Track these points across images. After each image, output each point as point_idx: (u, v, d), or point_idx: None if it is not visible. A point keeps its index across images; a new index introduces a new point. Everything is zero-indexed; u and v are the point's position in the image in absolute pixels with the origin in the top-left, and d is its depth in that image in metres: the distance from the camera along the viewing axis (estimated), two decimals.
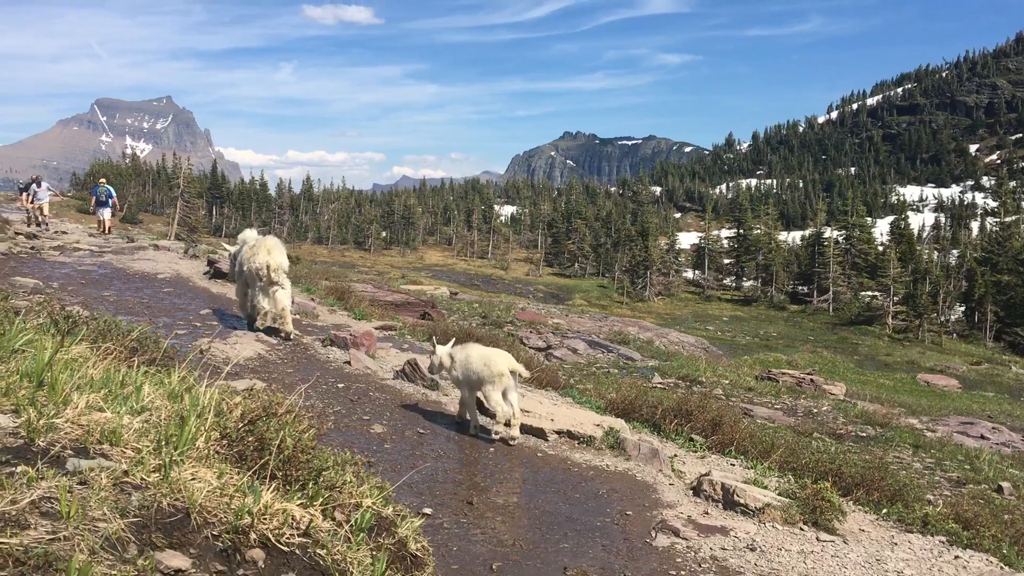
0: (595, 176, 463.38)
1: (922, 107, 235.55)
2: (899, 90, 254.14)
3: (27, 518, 2.07)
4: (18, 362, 3.21)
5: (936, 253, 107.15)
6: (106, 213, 30.18)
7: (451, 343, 9.70)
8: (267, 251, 12.32)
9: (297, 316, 15.48)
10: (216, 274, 17.92)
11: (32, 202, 29.65)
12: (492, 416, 9.29)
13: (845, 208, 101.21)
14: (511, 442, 8.99)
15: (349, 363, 11.75)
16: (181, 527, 2.38)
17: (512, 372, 8.98)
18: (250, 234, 13.56)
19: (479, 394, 9.23)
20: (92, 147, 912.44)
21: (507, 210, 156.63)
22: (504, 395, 8.99)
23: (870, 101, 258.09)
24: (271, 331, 12.63)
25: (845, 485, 9.32)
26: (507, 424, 9.07)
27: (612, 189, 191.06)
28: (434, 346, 9.71)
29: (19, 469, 2.32)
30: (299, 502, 2.78)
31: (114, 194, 31.70)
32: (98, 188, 30.89)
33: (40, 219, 29.09)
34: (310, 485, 2.98)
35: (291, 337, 12.71)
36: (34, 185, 30.17)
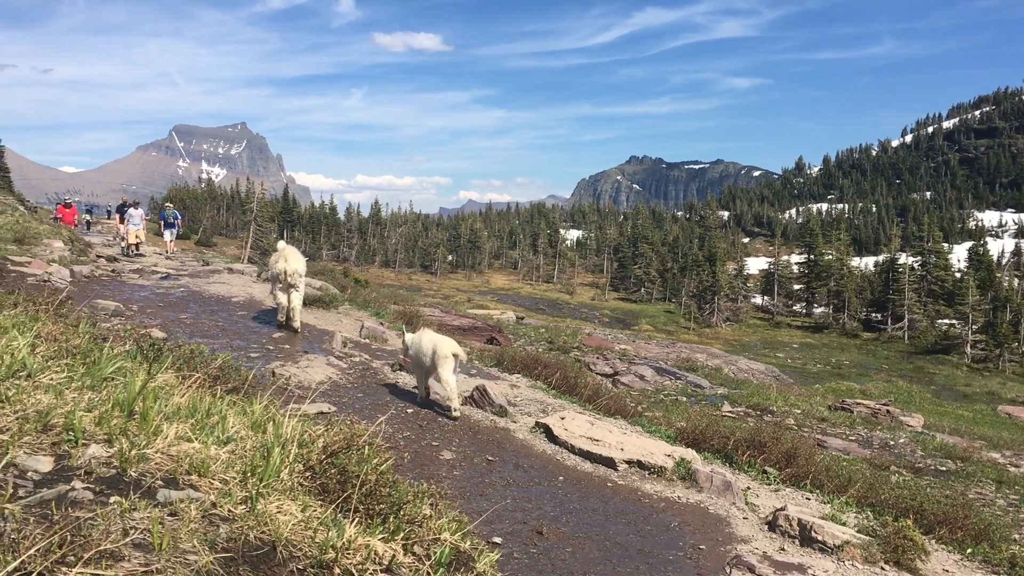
0: (661, 200, 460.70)
1: (1001, 130, 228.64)
2: (977, 113, 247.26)
3: (121, 550, 2.10)
4: (109, 390, 3.29)
5: (1017, 280, 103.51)
6: (169, 234, 30.31)
7: (420, 331, 11.37)
8: (284, 259, 14.65)
9: (367, 340, 15.66)
10: None
11: (125, 225, 28.61)
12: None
13: (920, 233, 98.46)
14: (453, 413, 10.35)
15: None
16: (267, 560, 2.39)
17: (454, 355, 10.36)
18: (280, 244, 15.89)
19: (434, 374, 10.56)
20: (169, 172, 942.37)
21: (573, 234, 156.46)
22: (452, 373, 10.40)
23: (946, 124, 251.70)
24: (287, 326, 14.83)
25: (927, 523, 9.01)
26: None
27: (679, 214, 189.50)
28: (403, 332, 11.75)
29: (112, 500, 2.37)
30: (380, 536, 2.77)
31: (180, 217, 32.08)
32: (165, 212, 31.12)
33: (131, 245, 28.27)
34: (391, 519, 2.98)
35: (298, 331, 14.80)
36: (131, 208, 29.07)
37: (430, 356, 10.40)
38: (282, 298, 14.74)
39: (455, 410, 10.35)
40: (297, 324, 14.90)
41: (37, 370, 3.43)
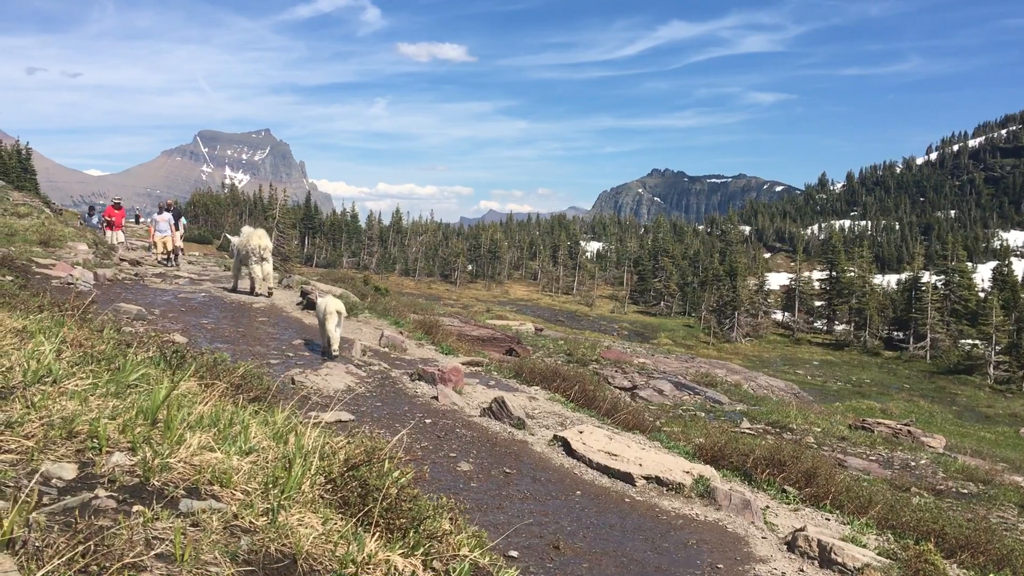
0: (682, 214, 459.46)
1: None
2: (1003, 132, 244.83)
3: (143, 561, 2.10)
4: (134, 398, 3.31)
5: None
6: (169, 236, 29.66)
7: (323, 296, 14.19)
8: (258, 237, 18.50)
9: (386, 349, 15.69)
10: (308, 305, 18.28)
11: (153, 233, 27.04)
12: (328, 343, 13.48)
13: (944, 252, 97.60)
14: (332, 352, 13.23)
15: (436, 398, 11.80)
16: (288, 573, 2.38)
17: (338, 312, 13.33)
18: (247, 229, 19.75)
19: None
20: (194, 177, 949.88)
21: (593, 246, 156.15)
22: (336, 326, 13.30)
23: (972, 143, 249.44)
24: (264, 294, 18.93)
25: (948, 547, 8.89)
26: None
27: (700, 227, 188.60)
28: (316, 299, 15.25)
29: (135, 509, 2.37)
30: (400, 551, 2.76)
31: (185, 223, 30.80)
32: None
33: (159, 253, 26.72)
34: (411, 533, 2.97)
35: (271, 295, 19.06)
36: (156, 214, 27.54)
37: (322, 313, 13.34)
38: (257, 269, 18.55)
39: (333, 352, 13.25)
40: (272, 284, 19.15)
41: (62, 376, 3.45)
